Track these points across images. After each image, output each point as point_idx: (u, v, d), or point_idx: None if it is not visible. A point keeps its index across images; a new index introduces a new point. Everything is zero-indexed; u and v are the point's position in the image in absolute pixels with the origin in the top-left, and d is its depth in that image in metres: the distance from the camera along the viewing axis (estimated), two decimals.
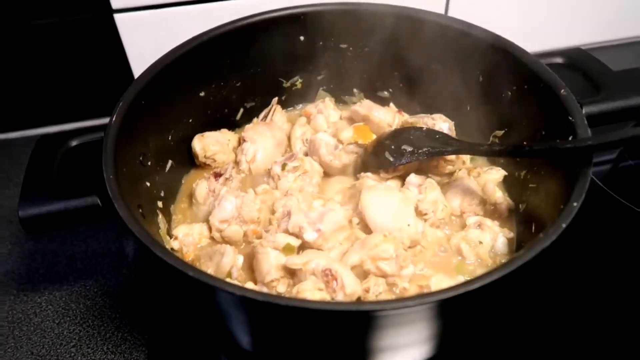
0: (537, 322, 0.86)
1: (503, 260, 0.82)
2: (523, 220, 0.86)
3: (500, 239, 0.83)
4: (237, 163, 1.00)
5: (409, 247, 0.82)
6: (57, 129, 1.24)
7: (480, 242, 0.82)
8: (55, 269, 0.95)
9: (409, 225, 0.81)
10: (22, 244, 0.99)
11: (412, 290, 0.76)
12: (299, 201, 0.88)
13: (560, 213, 0.63)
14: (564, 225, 0.60)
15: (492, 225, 0.84)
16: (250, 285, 0.79)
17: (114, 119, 0.77)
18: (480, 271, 0.81)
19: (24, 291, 0.92)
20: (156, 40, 1.17)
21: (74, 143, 0.79)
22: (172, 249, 0.86)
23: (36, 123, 1.23)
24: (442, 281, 0.76)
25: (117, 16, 1.12)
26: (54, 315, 0.89)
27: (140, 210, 0.76)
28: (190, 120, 0.99)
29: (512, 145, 0.79)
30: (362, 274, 0.80)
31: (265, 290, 0.79)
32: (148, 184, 0.85)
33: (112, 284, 0.92)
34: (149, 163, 0.87)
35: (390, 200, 0.84)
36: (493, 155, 0.91)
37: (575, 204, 0.63)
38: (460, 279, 0.80)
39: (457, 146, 0.86)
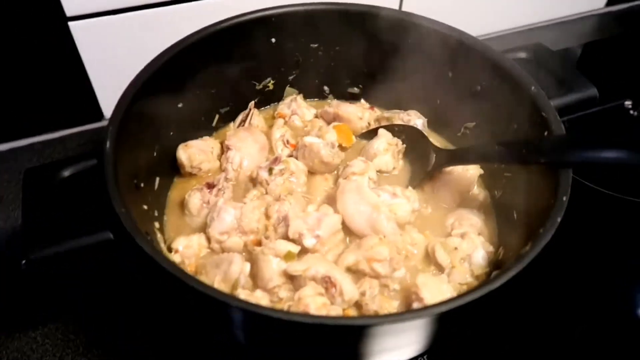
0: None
1: (477, 271, 0.86)
2: (501, 207, 0.94)
3: (479, 252, 0.86)
4: (223, 170, 1.00)
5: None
6: (10, 146, 1.16)
7: (456, 248, 0.86)
8: (48, 300, 0.91)
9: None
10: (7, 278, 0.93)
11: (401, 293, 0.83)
12: (291, 205, 0.90)
13: (552, 208, 0.70)
14: (559, 219, 0.68)
15: (475, 238, 0.87)
16: (259, 293, 0.80)
17: (107, 146, 0.74)
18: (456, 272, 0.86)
19: (15, 328, 0.87)
20: (115, 47, 1.12)
21: (66, 174, 0.76)
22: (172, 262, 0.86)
23: None
24: (428, 280, 0.80)
25: (72, 24, 1.05)
26: (54, 349, 0.86)
27: (149, 237, 0.75)
28: (171, 133, 0.97)
29: (505, 152, 0.84)
30: (357, 274, 0.84)
31: (267, 297, 0.81)
32: (145, 207, 0.84)
33: (113, 310, 0.90)
34: (142, 185, 0.85)
35: (362, 207, 0.88)
36: (482, 162, 0.95)
37: (564, 197, 0.71)
38: (444, 277, 0.86)
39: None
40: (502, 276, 0.61)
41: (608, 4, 1.69)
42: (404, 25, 1.02)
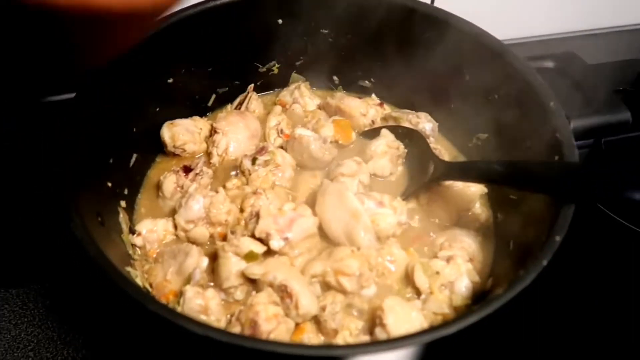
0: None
1: (457, 302, 0.76)
2: (502, 233, 0.84)
3: (464, 281, 0.77)
4: (208, 154, 0.95)
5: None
6: None
7: (437, 273, 0.77)
8: (10, 266, 0.89)
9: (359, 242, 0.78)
10: None
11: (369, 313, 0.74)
12: (268, 200, 0.83)
13: (542, 247, 0.60)
14: (544, 263, 0.58)
15: (462, 264, 0.78)
16: (210, 292, 0.74)
17: (67, 118, 0.70)
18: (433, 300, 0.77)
19: None
20: None
21: None
22: (134, 245, 0.82)
23: None
24: (397, 304, 0.71)
25: None
26: (10, 316, 0.84)
27: (99, 219, 0.71)
28: (157, 109, 0.92)
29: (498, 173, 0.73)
30: (325, 285, 0.77)
31: (219, 296, 0.75)
32: (110, 184, 0.80)
33: (75, 285, 0.87)
34: (111, 160, 0.81)
35: (340, 213, 0.80)
36: (479, 182, 0.85)
37: (558, 237, 0.60)
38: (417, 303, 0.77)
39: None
40: (455, 323, 0.53)
41: None
42: (421, 18, 0.93)
